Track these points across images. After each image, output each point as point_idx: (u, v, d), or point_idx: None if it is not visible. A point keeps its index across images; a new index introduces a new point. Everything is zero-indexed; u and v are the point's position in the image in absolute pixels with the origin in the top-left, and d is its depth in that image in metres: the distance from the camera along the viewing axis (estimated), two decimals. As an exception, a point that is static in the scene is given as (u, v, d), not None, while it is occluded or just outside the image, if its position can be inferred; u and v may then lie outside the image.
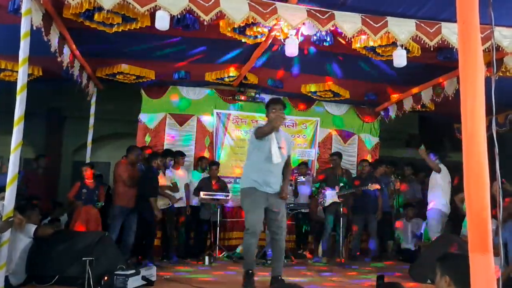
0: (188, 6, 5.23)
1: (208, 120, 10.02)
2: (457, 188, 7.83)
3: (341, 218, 8.48)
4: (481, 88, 2.23)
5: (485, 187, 2.11)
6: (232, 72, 8.64)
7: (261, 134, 5.35)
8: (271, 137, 5.34)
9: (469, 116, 2.18)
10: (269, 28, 6.34)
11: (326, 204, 8.76)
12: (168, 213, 8.13)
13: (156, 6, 5.17)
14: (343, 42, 6.38)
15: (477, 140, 2.16)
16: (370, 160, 10.14)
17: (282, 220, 5.54)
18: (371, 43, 6.51)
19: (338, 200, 8.62)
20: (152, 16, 5.52)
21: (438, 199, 7.90)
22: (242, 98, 9.91)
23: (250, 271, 5.33)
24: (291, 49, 6.40)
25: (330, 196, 8.70)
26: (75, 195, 7.98)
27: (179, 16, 5.46)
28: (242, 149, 9.98)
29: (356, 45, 6.62)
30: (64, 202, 9.82)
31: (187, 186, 8.85)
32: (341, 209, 8.48)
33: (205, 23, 5.39)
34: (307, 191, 9.43)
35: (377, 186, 8.66)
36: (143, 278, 5.42)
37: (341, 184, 8.77)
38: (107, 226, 7.77)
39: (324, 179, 9.14)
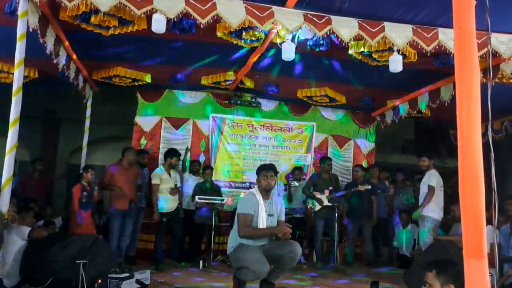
0: (185, 9, 5.22)
1: (204, 124, 10.02)
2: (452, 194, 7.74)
3: (335, 223, 8.41)
4: (477, 95, 2.22)
5: (480, 193, 2.11)
6: (228, 76, 8.63)
7: (246, 235, 5.02)
8: (261, 214, 5.06)
9: (464, 122, 2.18)
10: (265, 32, 6.33)
11: (316, 209, 8.75)
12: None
13: (152, 9, 5.16)
14: (340, 46, 6.37)
15: (473, 147, 2.16)
16: (365, 166, 10.14)
17: (291, 250, 5.05)
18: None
19: (328, 204, 8.61)
20: (149, 19, 5.49)
21: (430, 205, 7.76)
22: (238, 102, 9.91)
23: (243, 281, 5.05)
24: (288, 54, 6.39)
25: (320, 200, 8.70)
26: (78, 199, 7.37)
27: (175, 19, 5.45)
28: (238, 153, 10.04)
29: (352, 50, 6.62)
30: (56, 205, 9.78)
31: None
32: (335, 214, 8.44)
33: (202, 26, 5.38)
34: (301, 196, 9.40)
35: (368, 187, 8.62)
36: (137, 281, 5.41)
37: (331, 188, 8.74)
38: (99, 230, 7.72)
39: (313, 184, 9.06)
